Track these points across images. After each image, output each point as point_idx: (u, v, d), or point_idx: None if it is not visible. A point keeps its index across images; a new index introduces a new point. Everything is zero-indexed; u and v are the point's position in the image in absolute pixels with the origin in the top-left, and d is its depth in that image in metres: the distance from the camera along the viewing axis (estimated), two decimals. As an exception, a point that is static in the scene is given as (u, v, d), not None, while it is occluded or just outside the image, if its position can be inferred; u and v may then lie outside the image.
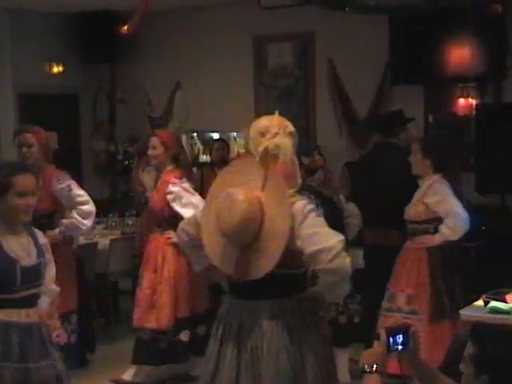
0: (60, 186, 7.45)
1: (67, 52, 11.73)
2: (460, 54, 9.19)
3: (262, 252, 4.52)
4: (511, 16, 9.15)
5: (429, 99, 9.91)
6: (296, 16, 10.18)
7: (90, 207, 7.56)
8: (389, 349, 4.02)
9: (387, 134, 8.36)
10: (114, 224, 9.94)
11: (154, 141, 7.69)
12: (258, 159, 4.65)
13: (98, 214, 7.97)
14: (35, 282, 4.87)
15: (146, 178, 9.58)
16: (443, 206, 6.95)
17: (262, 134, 4.69)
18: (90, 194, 8.65)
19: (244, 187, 4.56)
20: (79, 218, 7.48)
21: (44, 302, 5.01)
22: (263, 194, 4.55)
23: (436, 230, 6.97)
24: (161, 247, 7.60)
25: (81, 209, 7.46)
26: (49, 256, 5.06)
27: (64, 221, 7.47)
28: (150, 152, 7.78)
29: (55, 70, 11.69)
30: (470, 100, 9.64)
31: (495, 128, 8.31)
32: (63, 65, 11.72)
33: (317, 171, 7.62)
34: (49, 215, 7.39)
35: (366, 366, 4.02)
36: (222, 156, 10.09)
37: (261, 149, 4.62)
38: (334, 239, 4.43)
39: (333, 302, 5.15)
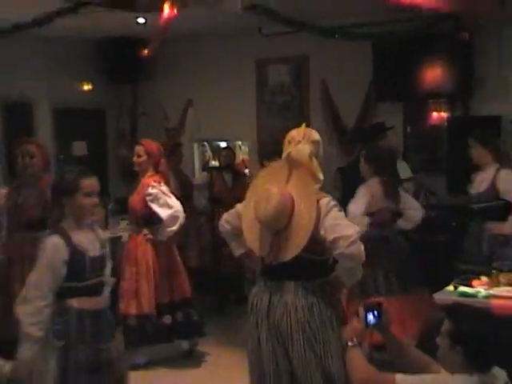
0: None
1: (95, 73, 11.73)
2: (433, 75, 9.25)
3: (291, 238, 4.71)
4: (476, 43, 9.18)
5: (407, 113, 9.94)
6: (292, 42, 10.19)
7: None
8: (366, 324, 4.12)
9: (369, 144, 8.43)
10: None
11: (139, 149, 7.55)
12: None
13: (122, 211, 7.93)
14: (100, 272, 4.92)
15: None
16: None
17: (289, 142, 5.00)
18: (115, 194, 8.68)
19: (277, 184, 4.81)
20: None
21: (107, 290, 5.04)
22: (292, 189, 4.79)
23: None
24: (139, 243, 7.51)
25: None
26: (108, 249, 5.11)
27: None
28: (134, 159, 7.59)
29: (85, 88, 11.71)
30: (442, 114, 9.70)
31: (463, 137, 8.33)
32: (92, 84, 11.75)
33: None
34: (41, 219, 6.89)
35: (348, 341, 4.12)
36: (228, 161, 10.11)
37: (284, 154, 4.98)
38: (352, 229, 4.62)
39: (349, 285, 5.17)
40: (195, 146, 11.91)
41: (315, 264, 4.81)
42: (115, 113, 12.39)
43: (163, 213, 6.94)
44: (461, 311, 4.03)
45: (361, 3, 6.42)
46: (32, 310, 4.64)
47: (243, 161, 11.61)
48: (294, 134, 5.05)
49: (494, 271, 5.92)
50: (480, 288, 5.82)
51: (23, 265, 6.81)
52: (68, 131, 11.44)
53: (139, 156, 7.50)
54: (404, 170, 9.03)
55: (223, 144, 11.59)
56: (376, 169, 7.13)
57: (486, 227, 7.13)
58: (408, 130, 9.99)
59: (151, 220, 7.38)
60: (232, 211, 5.28)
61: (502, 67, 9.26)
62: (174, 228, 7.20)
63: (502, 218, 6.98)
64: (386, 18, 8.84)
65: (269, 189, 4.79)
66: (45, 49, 10.95)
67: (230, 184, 9.62)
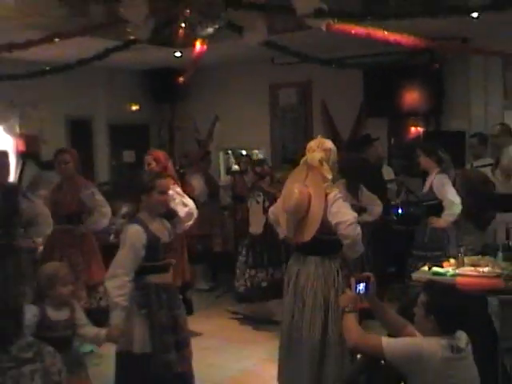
0: (86, 192, 7.05)
1: (142, 96, 11.78)
2: (412, 97, 9.27)
3: (308, 224, 5.17)
4: (445, 72, 9.24)
5: (391, 127, 9.98)
6: (299, 69, 10.18)
7: (107, 209, 7.17)
8: (357, 293, 4.20)
9: (360, 152, 8.49)
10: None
11: (148, 158, 7.23)
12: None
13: None
14: (168, 254, 5.06)
15: (194, 181, 9.68)
16: None
17: (308, 150, 5.39)
18: None
19: (299, 184, 5.23)
20: (99, 218, 7.10)
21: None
22: (309, 187, 5.21)
23: None
24: None
25: (100, 210, 7.06)
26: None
27: (88, 219, 7.06)
28: (146, 168, 7.20)
29: (134, 108, 11.73)
30: (419, 128, 9.72)
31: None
32: (139, 104, 11.77)
33: (265, 176, 8.20)
34: (77, 214, 7.02)
35: (344, 307, 4.19)
36: (247, 166, 10.13)
37: (303, 160, 5.36)
38: (350, 215, 5.06)
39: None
40: (221, 153, 11.94)
41: (329, 243, 5.17)
42: (157, 127, 12.41)
43: (180, 210, 6.62)
44: (434, 287, 4.11)
45: (354, 40, 6.44)
46: (118, 283, 4.75)
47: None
48: (312, 144, 5.43)
49: (460, 255, 5.96)
50: (449, 268, 5.88)
51: (62, 252, 6.87)
52: (120, 142, 11.51)
53: (149, 164, 7.18)
54: (388, 172, 9.13)
55: (243, 152, 11.57)
56: (341, 174, 6.92)
57: (428, 221, 7.17)
58: (392, 141, 10.02)
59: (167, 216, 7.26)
60: (275, 205, 5.75)
61: (465, 90, 9.33)
62: (190, 223, 6.94)
63: (438, 214, 7.03)
64: (374, 52, 8.86)
65: (291, 188, 5.25)
66: (103, 77, 11.07)
67: (249, 184, 9.66)
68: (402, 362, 3.78)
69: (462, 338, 3.84)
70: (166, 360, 4.90)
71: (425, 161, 7.35)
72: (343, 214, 5.05)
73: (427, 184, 7.29)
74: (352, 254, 5.20)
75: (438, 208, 7.03)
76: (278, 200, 5.63)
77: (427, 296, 3.90)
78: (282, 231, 5.61)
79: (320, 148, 5.34)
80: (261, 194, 8.01)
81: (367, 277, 4.33)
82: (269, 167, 8.58)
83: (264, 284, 7.82)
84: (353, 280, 4.30)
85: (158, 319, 4.88)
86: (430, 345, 3.74)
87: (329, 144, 5.43)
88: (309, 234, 5.16)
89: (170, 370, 4.92)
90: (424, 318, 3.86)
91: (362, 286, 4.23)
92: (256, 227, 7.93)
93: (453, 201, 6.93)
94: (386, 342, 3.83)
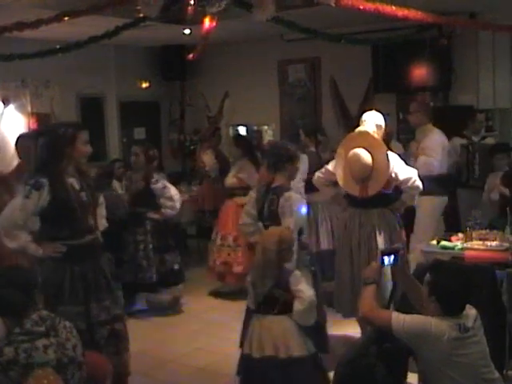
0: (157, 184, 7.32)
1: (152, 72, 11.75)
2: (420, 72, 9.18)
3: (373, 181, 5.85)
4: (454, 47, 9.17)
5: (399, 103, 9.88)
6: (307, 46, 10.18)
7: (177, 197, 7.46)
8: (383, 265, 4.19)
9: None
10: (184, 189, 9.78)
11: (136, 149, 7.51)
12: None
13: (173, 183, 7.88)
14: None
15: (205, 157, 9.69)
16: None
17: (362, 121, 6.20)
18: (167, 170, 8.57)
19: (359, 148, 5.84)
20: (170, 206, 7.37)
21: None
22: (370, 150, 5.83)
23: None
24: None
25: (172, 201, 7.37)
26: None
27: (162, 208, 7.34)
28: (132, 159, 7.48)
29: (144, 85, 11.68)
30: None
31: (444, 122, 8.32)
32: (149, 82, 11.72)
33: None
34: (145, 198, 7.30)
35: (366, 279, 4.16)
36: (257, 141, 10.10)
37: (359, 129, 6.15)
38: (414, 171, 6.06)
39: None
40: (231, 129, 11.92)
41: (387, 196, 5.97)
42: (167, 104, 12.39)
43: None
44: (439, 268, 4.11)
45: (362, 15, 6.40)
46: None
47: (268, 141, 11.60)
48: (366, 116, 6.20)
49: (467, 229, 5.95)
50: (457, 242, 5.87)
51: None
52: (130, 120, 11.52)
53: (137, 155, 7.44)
54: (397, 147, 9.05)
55: (253, 128, 11.59)
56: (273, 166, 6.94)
57: None
58: (400, 116, 9.96)
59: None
60: (322, 170, 6.31)
61: (474, 66, 9.25)
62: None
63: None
64: (383, 27, 8.81)
65: (357, 152, 5.82)
66: (113, 55, 11.10)
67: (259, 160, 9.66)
68: (408, 338, 3.78)
69: (469, 315, 3.82)
70: None
71: (304, 140, 8.11)
72: (409, 170, 6.02)
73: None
74: (412, 201, 6.21)
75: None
76: (331, 164, 6.17)
77: (431, 276, 3.90)
78: (330, 191, 6.43)
79: (373, 121, 6.13)
80: None
81: (396, 249, 4.33)
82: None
83: None
84: (379, 252, 4.31)
85: None
86: (439, 325, 3.72)
87: (380, 119, 6.18)
88: (374, 189, 5.86)
89: None
90: (427, 298, 3.86)
91: (388, 259, 4.20)
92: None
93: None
94: (396, 316, 3.83)
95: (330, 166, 6.18)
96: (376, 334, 4.03)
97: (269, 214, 5.26)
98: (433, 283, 3.85)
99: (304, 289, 4.54)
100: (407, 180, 5.93)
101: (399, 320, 3.80)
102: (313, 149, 8.21)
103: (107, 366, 4.31)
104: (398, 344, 3.87)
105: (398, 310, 4.14)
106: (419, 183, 5.96)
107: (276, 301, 4.50)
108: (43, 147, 4.94)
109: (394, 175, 5.87)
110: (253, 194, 5.69)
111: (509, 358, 5.04)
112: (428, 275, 3.90)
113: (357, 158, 5.82)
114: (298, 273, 4.66)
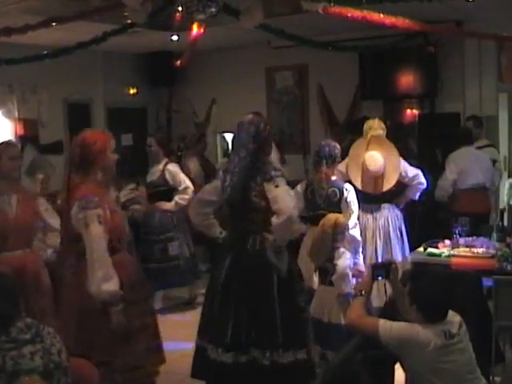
0: (170, 171, 7.65)
1: (139, 79, 11.72)
2: (406, 79, 9.22)
3: (385, 178, 6.71)
4: (440, 54, 9.18)
5: (386, 110, 9.87)
6: (295, 53, 10.14)
7: (190, 186, 7.71)
8: (373, 278, 4.20)
9: (357, 134, 8.46)
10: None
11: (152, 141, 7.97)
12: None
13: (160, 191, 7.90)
14: None
15: (191, 164, 9.67)
16: None
17: (371, 128, 7.03)
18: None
19: (376, 151, 6.73)
20: (181, 196, 7.66)
21: None
22: (381, 152, 6.70)
23: None
24: None
25: (184, 191, 7.69)
26: None
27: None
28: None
29: (131, 91, 11.68)
30: (414, 111, 9.68)
31: (431, 129, 8.36)
32: (137, 88, 11.72)
33: None
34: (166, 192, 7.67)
35: (358, 291, 4.21)
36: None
37: (368, 135, 6.98)
38: (419, 172, 6.90)
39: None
40: (218, 136, 11.89)
41: (393, 191, 6.80)
42: (155, 110, 12.34)
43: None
44: (418, 276, 4.12)
45: (349, 23, 6.43)
46: None
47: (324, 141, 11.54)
48: (372, 123, 7.06)
49: (454, 235, 5.97)
50: (444, 249, 5.89)
51: None
52: (117, 125, 11.41)
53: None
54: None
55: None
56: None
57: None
58: (387, 123, 9.97)
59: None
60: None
61: (460, 73, 9.29)
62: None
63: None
64: (370, 35, 8.83)
65: (373, 154, 6.69)
66: (101, 61, 11.01)
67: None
68: (395, 345, 3.78)
69: (453, 321, 3.83)
70: None
71: (156, 149, 7.95)
72: (415, 169, 6.90)
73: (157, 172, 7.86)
74: (415, 196, 7.03)
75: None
76: (340, 166, 6.57)
77: (411, 285, 3.93)
78: None
79: (379, 127, 7.03)
80: None
81: (389, 263, 4.36)
82: None
83: None
84: (370, 266, 4.34)
85: None
86: (425, 332, 3.73)
87: (382, 125, 7.14)
88: (387, 186, 6.71)
89: None
90: (409, 306, 3.87)
91: (379, 272, 4.23)
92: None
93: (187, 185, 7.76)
94: (383, 323, 3.83)
95: (342, 168, 6.70)
96: (362, 340, 4.04)
97: (328, 204, 5.92)
98: (412, 292, 3.87)
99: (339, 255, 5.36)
100: (414, 177, 6.83)
101: (386, 327, 3.80)
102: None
103: (93, 372, 4.28)
104: (383, 351, 3.87)
105: (381, 317, 4.14)
106: (424, 180, 6.87)
107: (327, 273, 5.34)
108: None
109: (403, 174, 6.77)
110: (299, 188, 6.14)
111: (495, 364, 5.05)
112: (408, 284, 3.93)
113: (374, 158, 6.68)
114: (342, 249, 5.40)
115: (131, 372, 4.28)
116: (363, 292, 4.17)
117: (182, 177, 7.80)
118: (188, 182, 7.75)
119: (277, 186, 4.46)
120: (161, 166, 7.81)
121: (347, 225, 5.58)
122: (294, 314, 4.55)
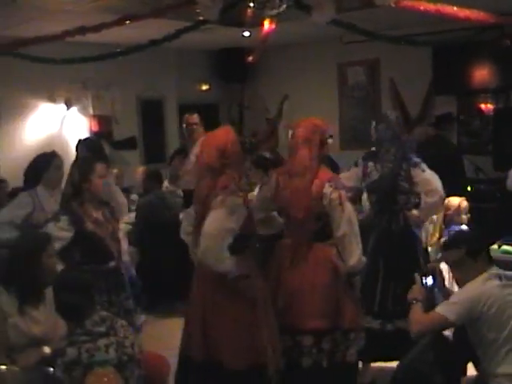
0: None
1: (212, 75, 11.84)
2: (481, 74, 9.11)
3: None
4: (517, 47, 9.03)
5: (460, 105, 9.76)
6: (367, 48, 10.09)
7: None
8: (424, 286, 4.16)
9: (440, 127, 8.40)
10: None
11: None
12: None
13: None
14: None
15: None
16: None
17: None
18: None
19: None
20: None
21: None
22: None
23: None
24: None
25: None
26: None
27: None
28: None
29: (204, 88, 11.80)
30: (488, 105, 9.53)
31: (506, 124, 8.21)
32: (209, 84, 11.84)
33: None
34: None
35: (411, 300, 4.14)
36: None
37: None
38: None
39: None
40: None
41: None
42: (227, 107, 12.39)
43: None
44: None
45: (422, 16, 6.34)
46: None
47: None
48: None
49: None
50: (519, 246, 5.79)
51: None
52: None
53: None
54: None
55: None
56: None
57: None
58: (461, 118, 9.86)
59: None
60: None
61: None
62: None
63: None
64: (444, 28, 8.70)
65: None
66: (173, 57, 11.12)
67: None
68: (467, 314, 3.75)
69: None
70: None
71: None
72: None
73: None
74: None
75: None
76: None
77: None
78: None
79: None
80: None
81: (433, 269, 4.33)
82: None
83: None
84: (417, 275, 4.29)
85: None
86: (478, 282, 3.77)
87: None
88: None
89: None
90: (461, 259, 3.87)
91: (427, 280, 4.20)
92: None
93: None
94: (445, 308, 3.82)
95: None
96: (433, 340, 3.99)
97: None
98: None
99: None
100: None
101: (449, 307, 3.80)
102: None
103: (166, 364, 4.35)
104: (456, 349, 3.83)
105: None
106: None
107: None
108: None
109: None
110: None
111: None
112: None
113: None
114: None
115: None
116: (415, 301, 4.12)
117: None
118: None
119: (423, 171, 5.01)
120: None
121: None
122: None
